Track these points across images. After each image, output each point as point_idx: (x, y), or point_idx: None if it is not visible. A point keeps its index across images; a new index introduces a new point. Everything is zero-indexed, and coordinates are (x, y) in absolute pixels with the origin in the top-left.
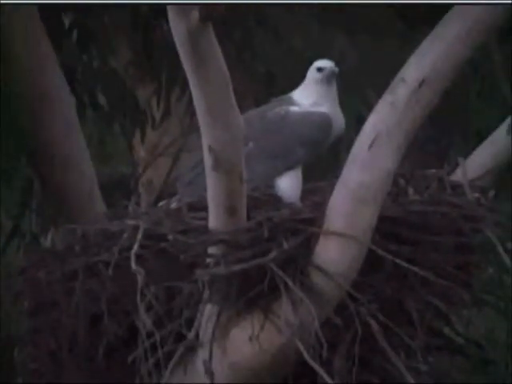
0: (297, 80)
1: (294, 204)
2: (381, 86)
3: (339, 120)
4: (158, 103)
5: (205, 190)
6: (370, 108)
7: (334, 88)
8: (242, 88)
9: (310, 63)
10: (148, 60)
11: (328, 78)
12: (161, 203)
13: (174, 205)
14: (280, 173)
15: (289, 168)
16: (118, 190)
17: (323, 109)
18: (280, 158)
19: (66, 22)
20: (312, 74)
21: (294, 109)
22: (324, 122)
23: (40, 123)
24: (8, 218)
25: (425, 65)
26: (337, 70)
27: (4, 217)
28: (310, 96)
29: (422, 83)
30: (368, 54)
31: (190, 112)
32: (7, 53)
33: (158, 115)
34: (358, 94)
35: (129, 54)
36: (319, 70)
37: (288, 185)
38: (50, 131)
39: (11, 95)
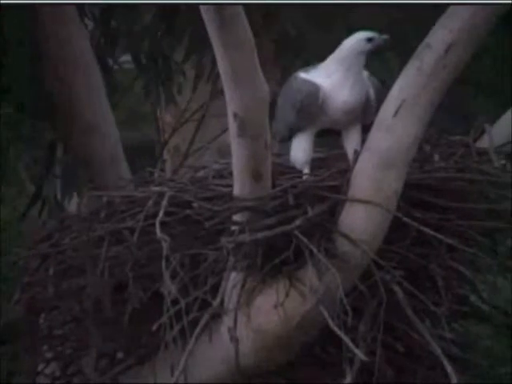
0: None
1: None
2: (405, 52)
3: (343, 94)
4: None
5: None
6: (392, 74)
7: (357, 62)
8: (270, 55)
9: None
10: (170, 23)
11: (379, 48)
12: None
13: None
14: (282, 134)
15: (291, 130)
16: (143, 156)
17: (326, 80)
18: (279, 119)
19: None
20: (358, 44)
21: (300, 75)
22: (308, 90)
23: (62, 86)
24: (31, 182)
25: (451, 30)
26: (388, 37)
27: (27, 181)
28: (325, 66)
29: (448, 49)
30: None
31: (214, 77)
32: (34, 17)
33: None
34: (381, 59)
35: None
36: (369, 40)
37: (293, 148)
38: (72, 94)
39: (36, 58)
